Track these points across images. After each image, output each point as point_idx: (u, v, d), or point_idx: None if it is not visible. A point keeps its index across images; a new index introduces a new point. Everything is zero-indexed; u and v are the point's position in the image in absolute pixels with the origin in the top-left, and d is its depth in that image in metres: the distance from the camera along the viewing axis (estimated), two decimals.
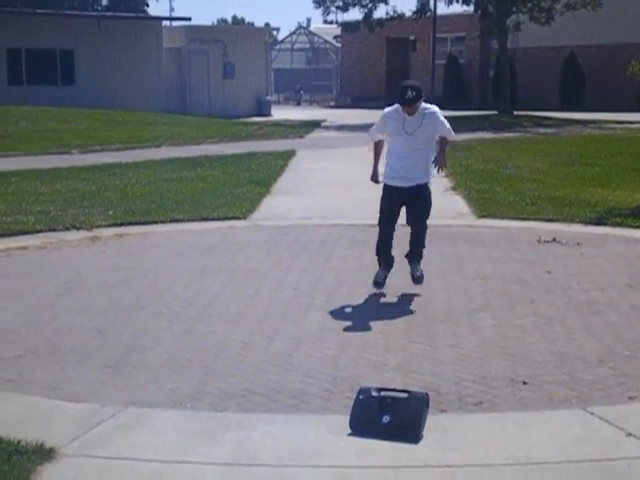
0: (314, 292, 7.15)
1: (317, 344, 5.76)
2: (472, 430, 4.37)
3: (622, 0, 33.07)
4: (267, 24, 67.31)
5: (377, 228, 7.18)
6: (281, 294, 7.12)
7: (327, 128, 26.94)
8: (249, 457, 4.06)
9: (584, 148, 18.79)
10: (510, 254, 8.60)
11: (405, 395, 4.40)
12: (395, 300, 6.90)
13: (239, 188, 12.97)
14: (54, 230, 9.86)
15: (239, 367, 5.32)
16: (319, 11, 31.84)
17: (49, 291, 7.23)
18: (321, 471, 3.95)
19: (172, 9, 78.83)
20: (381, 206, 7.09)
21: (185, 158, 17.23)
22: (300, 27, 58.20)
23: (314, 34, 54.80)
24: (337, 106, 42.74)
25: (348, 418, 4.36)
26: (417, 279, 7.12)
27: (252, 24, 78.62)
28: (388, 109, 7.01)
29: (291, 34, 55.80)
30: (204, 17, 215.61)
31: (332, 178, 14.24)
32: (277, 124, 28.04)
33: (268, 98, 38.13)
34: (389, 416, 4.29)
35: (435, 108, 6.92)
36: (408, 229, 7.24)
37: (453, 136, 7.03)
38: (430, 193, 7.06)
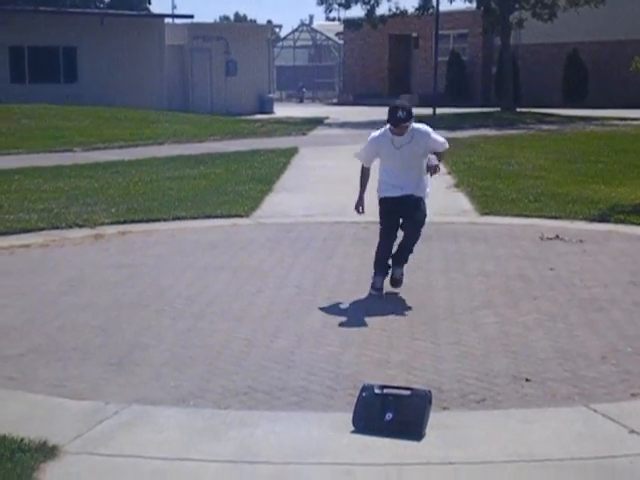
0: (317, 289, 7.14)
1: (320, 341, 5.76)
2: (475, 427, 4.36)
3: None
4: (269, 21, 67.23)
5: (379, 227, 7.15)
6: (284, 292, 7.12)
7: (330, 125, 26.93)
8: (252, 454, 4.06)
9: (587, 145, 18.78)
10: (513, 251, 8.60)
11: (408, 392, 4.40)
12: (397, 298, 6.90)
13: (242, 186, 12.98)
14: (57, 228, 9.87)
15: (242, 365, 5.32)
16: (321, 8, 31.74)
17: (52, 289, 7.23)
18: (324, 468, 3.95)
19: (174, 7, 78.64)
20: (380, 223, 7.04)
21: (188, 156, 17.23)
22: (302, 24, 58.24)
23: (316, 31, 54.81)
24: (339, 103, 42.73)
25: (351, 415, 4.36)
26: (396, 282, 7.05)
27: (254, 21, 78.57)
28: (375, 134, 6.96)
29: (293, 31, 55.81)
30: (206, 14, 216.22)
31: (335, 175, 14.24)
32: (279, 121, 28.05)
33: (270, 95, 38.15)
34: (392, 413, 4.29)
35: (427, 127, 6.90)
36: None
37: (446, 147, 6.95)
38: (425, 207, 6.97)
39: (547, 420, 4.45)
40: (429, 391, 4.45)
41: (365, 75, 43.16)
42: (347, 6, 32.45)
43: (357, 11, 76.85)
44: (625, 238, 9.29)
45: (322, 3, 32.52)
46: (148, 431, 4.33)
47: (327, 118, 29.63)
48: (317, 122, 27.54)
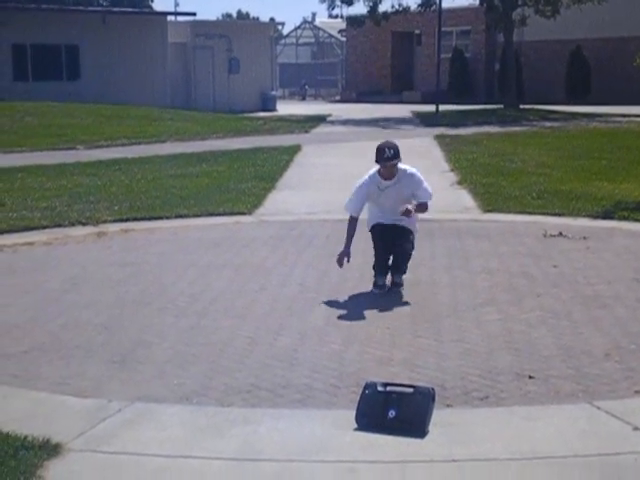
0: (320, 287, 7.14)
1: (323, 339, 5.75)
2: (478, 425, 4.36)
3: None
4: (272, 19, 67.39)
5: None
6: (287, 289, 7.11)
7: (332, 123, 26.92)
8: (255, 452, 4.06)
9: (590, 142, 18.75)
10: (516, 248, 8.59)
11: (411, 390, 4.40)
12: (400, 295, 6.89)
13: (244, 183, 12.98)
14: (60, 226, 9.88)
15: (245, 362, 5.32)
16: (324, 5, 31.79)
17: (55, 287, 7.24)
18: (327, 466, 3.95)
19: (177, 4, 78.61)
20: (374, 247, 7.06)
21: (190, 153, 17.24)
22: (305, 22, 58.20)
23: (319, 28, 54.76)
24: (342, 100, 42.73)
25: (354, 413, 4.36)
26: (396, 285, 7.03)
27: (257, 19, 78.59)
28: (360, 181, 6.97)
29: (296, 29, 55.77)
30: (209, 12, 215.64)
31: (338, 173, 14.23)
32: (282, 119, 28.04)
33: (273, 93, 38.13)
34: (395, 411, 4.29)
35: (415, 170, 6.92)
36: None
37: (431, 201, 6.93)
38: (414, 240, 7.02)
39: (550, 417, 4.44)
40: (432, 388, 4.45)
41: (368, 72, 43.12)
42: (350, 3, 32.44)
43: (360, 8, 76.68)
44: (629, 235, 9.28)
45: (325, 0, 32.52)
46: (151, 429, 4.34)
47: (330, 115, 29.63)
48: (320, 119, 27.54)
